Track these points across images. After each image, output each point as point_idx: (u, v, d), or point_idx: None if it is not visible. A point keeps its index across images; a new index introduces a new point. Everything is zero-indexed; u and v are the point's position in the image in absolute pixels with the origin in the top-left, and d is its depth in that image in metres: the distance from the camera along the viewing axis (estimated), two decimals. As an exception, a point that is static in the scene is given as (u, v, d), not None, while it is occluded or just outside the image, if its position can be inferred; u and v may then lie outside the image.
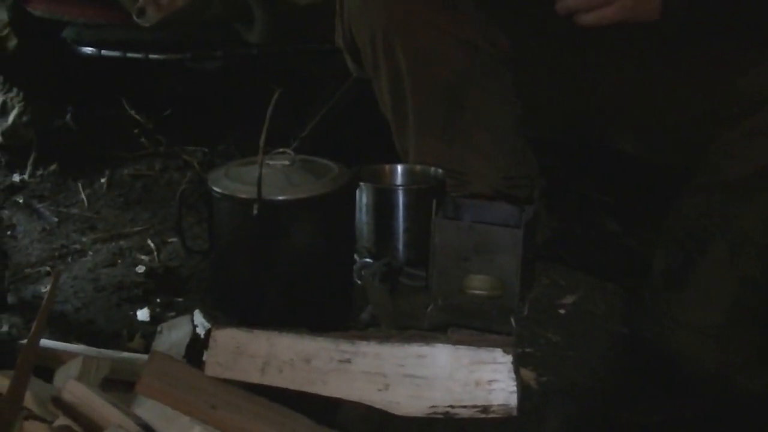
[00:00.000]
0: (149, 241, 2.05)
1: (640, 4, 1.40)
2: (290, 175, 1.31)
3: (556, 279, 1.42)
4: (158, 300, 1.80)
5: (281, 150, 1.34)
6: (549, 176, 1.86)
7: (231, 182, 1.31)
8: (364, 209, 1.44)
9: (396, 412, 1.11)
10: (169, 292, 1.83)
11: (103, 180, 2.34)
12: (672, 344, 1.50)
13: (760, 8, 1.43)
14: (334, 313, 1.35)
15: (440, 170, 1.48)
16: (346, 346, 1.12)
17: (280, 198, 1.27)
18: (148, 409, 1.15)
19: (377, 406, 1.11)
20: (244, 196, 1.28)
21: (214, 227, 1.36)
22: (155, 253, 2.00)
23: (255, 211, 1.24)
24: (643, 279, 1.57)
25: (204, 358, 1.18)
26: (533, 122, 1.58)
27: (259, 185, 1.24)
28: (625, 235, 2.02)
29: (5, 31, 2.29)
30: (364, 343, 1.12)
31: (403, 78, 1.49)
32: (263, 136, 1.23)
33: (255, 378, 1.14)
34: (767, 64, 1.41)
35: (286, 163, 1.32)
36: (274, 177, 1.29)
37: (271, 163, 1.31)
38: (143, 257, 1.99)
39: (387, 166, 1.54)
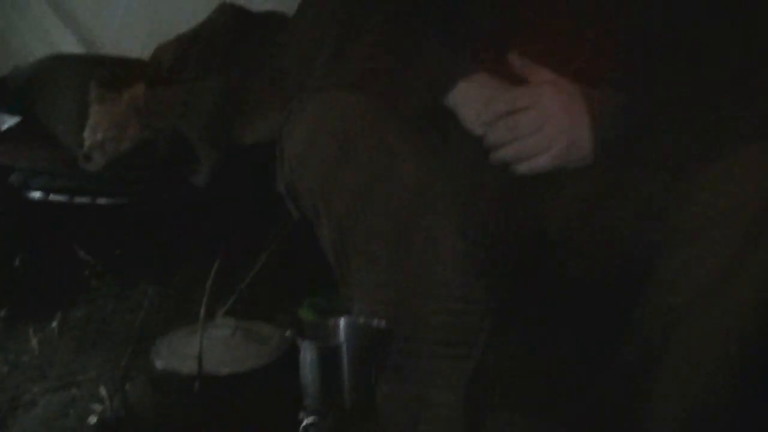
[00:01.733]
0: (102, 389, 2.02)
1: (573, 151, 1.43)
2: (231, 345, 1.30)
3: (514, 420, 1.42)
4: (111, 456, 1.77)
5: (222, 317, 1.33)
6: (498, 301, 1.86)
7: (172, 356, 1.30)
8: (308, 367, 1.43)
9: None
10: (122, 443, 1.79)
11: (54, 324, 2.32)
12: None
13: (692, 140, 1.46)
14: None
15: (384, 322, 1.47)
16: None
17: (223, 373, 1.27)
18: None
19: None
20: (186, 371, 1.27)
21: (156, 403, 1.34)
22: (108, 402, 1.97)
23: (196, 388, 1.23)
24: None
25: None
26: (482, 254, 1.58)
27: (199, 361, 1.23)
28: (579, 364, 2.01)
29: (-50, 178, 2.29)
30: None
31: (345, 226, 1.49)
32: (203, 310, 1.23)
33: None
34: (699, 196, 1.43)
35: (227, 333, 1.32)
36: (215, 348, 1.28)
37: (212, 332, 1.30)
38: (96, 406, 1.96)
39: (330, 321, 1.53)
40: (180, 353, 1.31)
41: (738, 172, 1.41)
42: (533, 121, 1.44)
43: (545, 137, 1.44)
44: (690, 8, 1.52)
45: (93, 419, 1.90)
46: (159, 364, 1.30)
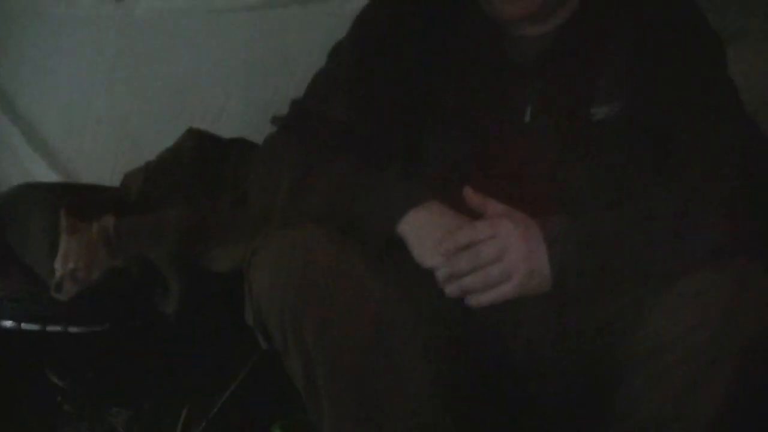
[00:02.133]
0: None
1: (533, 278, 1.47)
2: None
3: None
4: None
5: None
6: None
7: None
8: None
9: None
10: None
11: (28, 452, 2.33)
12: None
13: (652, 259, 1.50)
14: None
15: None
16: None
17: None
18: None
19: None
20: None
21: None
22: None
23: None
24: None
25: None
26: (448, 381, 1.61)
27: None
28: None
29: None
30: None
31: (313, 359, 1.52)
32: None
33: None
34: (661, 311, 1.47)
35: None
36: None
37: None
38: None
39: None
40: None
41: (690, 295, 1.45)
42: (494, 251, 1.47)
43: (507, 266, 1.47)
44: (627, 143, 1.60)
45: None
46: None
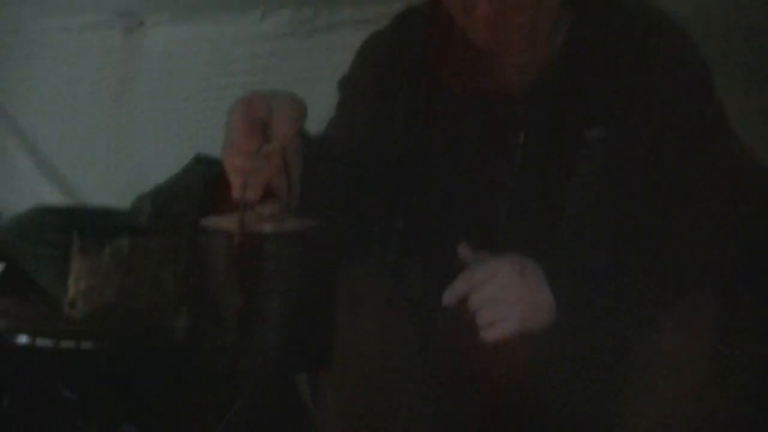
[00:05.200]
0: None
1: (537, 313, 1.51)
2: None
3: None
4: None
5: None
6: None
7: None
8: None
9: None
10: None
11: (40, 463, 2.39)
12: None
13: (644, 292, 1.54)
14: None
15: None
16: None
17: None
18: None
19: None
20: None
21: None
22: None
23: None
24: None
25: None
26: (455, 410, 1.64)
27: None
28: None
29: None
30: None
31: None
32: None
33: None
34: (651, 347, 1.50)
35: None
36: None
37: None
38: None
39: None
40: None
41: (686, 324, 1.48)
42: (491, 293, 1.50)
43: (505, 306, 1.50)
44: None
45: None
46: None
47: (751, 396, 1.50)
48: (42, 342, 2.27)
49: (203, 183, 2.44)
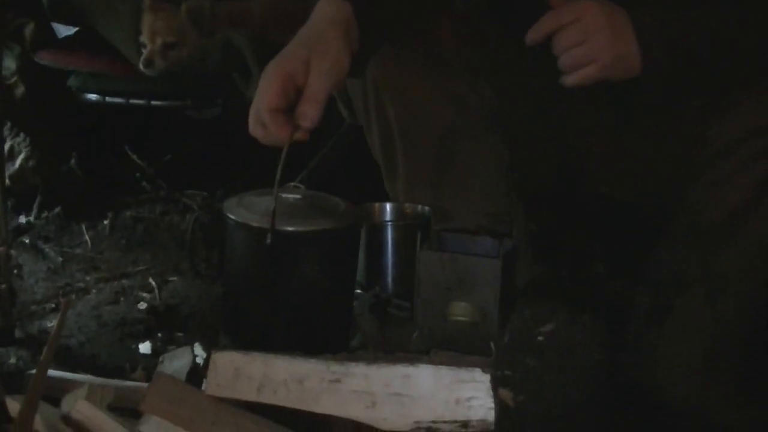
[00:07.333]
0: (151, 280, 2.13)
1: (620, 62, 1.46)
2: (302, 208, 1.37)
3: (536, 310, 1.50)
4: (159, 335, 1.87)
5: (293, 184, 1.40)
6: (537, 222, 1.94)
7: (245, 211, 1.37)
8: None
9: (383, 428, 1.19)
10: (170, 327, 1.90)
11: (106, 222, 2.43)
12: (653, 379, 1.55)
13: (732, 60, 1.49)
14: (333, 339, 1.41)
15: (427, 208, 1.57)
16: (336, 367, 1.20)
17: (292, 229, 1.34)
18: (151, 427, 1.23)
19: (365, 422, 1.19)
20: (257, 225, 1.34)
21: (225, 254, 1.42)
22: (156, 292, 2.08)
23: (268, 241, 1.31)
24: (626, 319, 1.60)
25: (204, 383, 1.26)
26: (522, 171, 1.66)
27: (273, 216, 1.30)
28: (612, 279, 2.08)
29: (13, 79, 2.39)
30: (354, 364, 1.20)
31: (393, 131, 1.57)
32: (279, 171, 1.30)
33: (252, 397, 1.22)
34: (734, 112, 1.47)
35: (298, 197, 1.38)
36: (286, 209, 1.34)
37: (283, 196, 1.36)
38: (145, 295, 2.07)
39: (377, 205, 1.63)
40: (252, 209, 1.36)
41: (754, 102, 1.46)
42: (577, 34, 1.46)
43: (591, 49, 1.45)
44: None
45: (143, 305, 2.01)
46: (233, 215, 1.36)
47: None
48: (113, 100, 2.26)
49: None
